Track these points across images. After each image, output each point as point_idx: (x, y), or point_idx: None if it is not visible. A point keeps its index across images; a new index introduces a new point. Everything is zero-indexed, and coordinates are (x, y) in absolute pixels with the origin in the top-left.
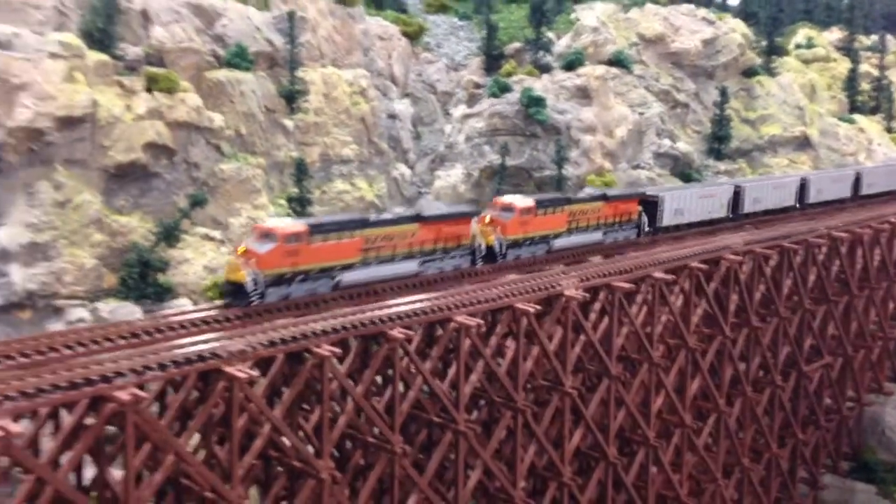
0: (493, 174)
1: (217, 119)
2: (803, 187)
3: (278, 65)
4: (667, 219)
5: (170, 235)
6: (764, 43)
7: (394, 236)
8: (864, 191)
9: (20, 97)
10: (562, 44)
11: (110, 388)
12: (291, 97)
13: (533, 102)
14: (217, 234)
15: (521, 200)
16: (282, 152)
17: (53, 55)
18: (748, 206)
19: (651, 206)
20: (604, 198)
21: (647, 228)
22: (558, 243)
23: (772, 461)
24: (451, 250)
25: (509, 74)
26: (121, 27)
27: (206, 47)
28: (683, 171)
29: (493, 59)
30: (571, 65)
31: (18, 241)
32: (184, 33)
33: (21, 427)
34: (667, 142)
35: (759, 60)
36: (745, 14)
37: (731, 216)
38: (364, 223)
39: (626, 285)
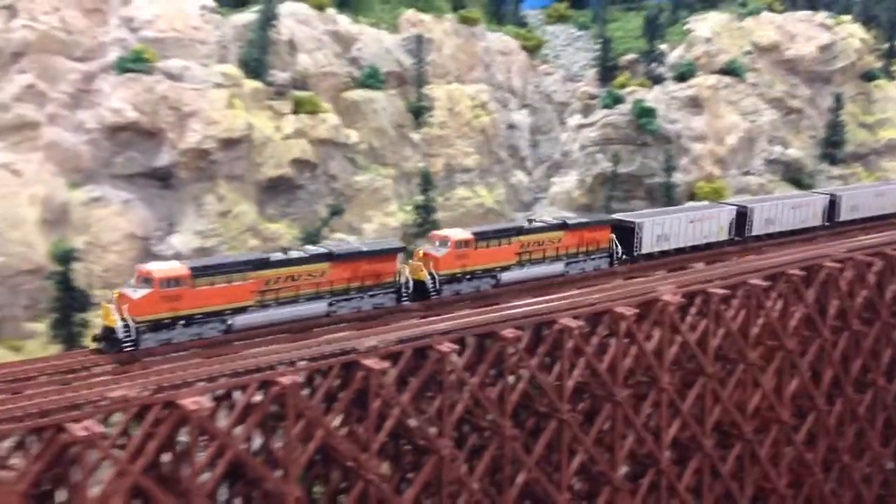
0: (606, 181)
1: (353, 135)
2: (833, 205)
3: (407, 83)
4: (647, 245)
5: (312, 241)
6: (885, 46)
7: (299, 276)
8: None
9: (190, 123)
10: (675, 55)
11: (275, 374)
12: (418, 112)
13: (644, 113)
14: (352, 239)
15: (458, 233)
16: (409, 163)
17: (217, 85)
18: (758, 228)
19: (627, 232)
20: (564, 226)
21: (619, 256)
22: (507, 276)
23: (874, 459)
24: (368, 289)
25: (622, 86)
26: (271, 56)
27: (343, 70)
28: (795, 176)
29: (607, 71)
30: (683, 76)
31: (190, 246)
32: (325, 58)
33: (210, 403)
34: (778, 148)
35: (878, 64)
36: (865, 17)
37: (735, 238)
38: (262, 263)
39: (722, 291)
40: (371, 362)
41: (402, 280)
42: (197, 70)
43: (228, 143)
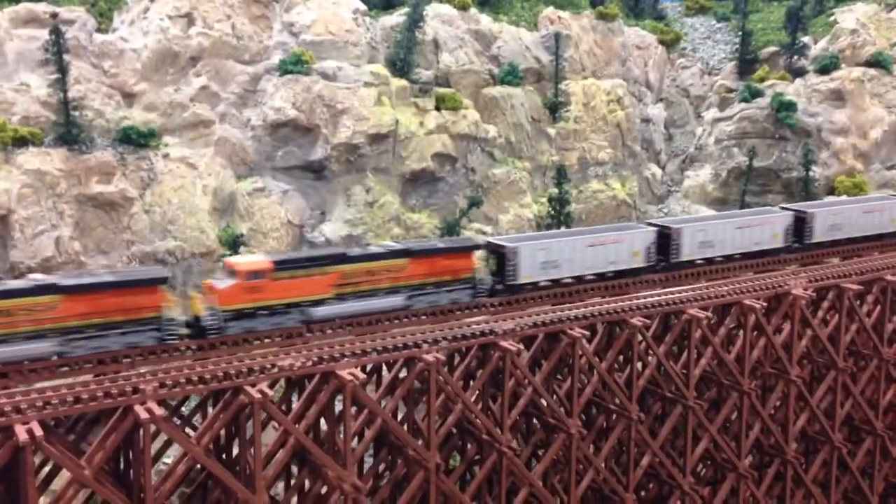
0: (741, 175)
1: (491, 130)
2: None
3: (544, 79)
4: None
5: (452, 230)
6: None
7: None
8: None
9: (342, 119)
10: (818, 47)
11: (420, 351)
12: (554, 108)
13: (783, 107)
14: (489, 229)
15: (250, 262)
16: (545, 157)
17: (367, 83)
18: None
19: (501, 257)
20: (406, 253)
21: (486, 287)
22: (321, 312)
23: None
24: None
25: (762, 80)
26: (417, 55)
27: (483, 67)
28: None
29: (746, 64)
30: (826, 68)
31: (339, 234)
32: (466, 57)
33: (363, 375)
34: None
35: None
36: None
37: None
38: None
39: (856, 287)
40: (507, 344)
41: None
42: (349, 70)
43: (376, 138)
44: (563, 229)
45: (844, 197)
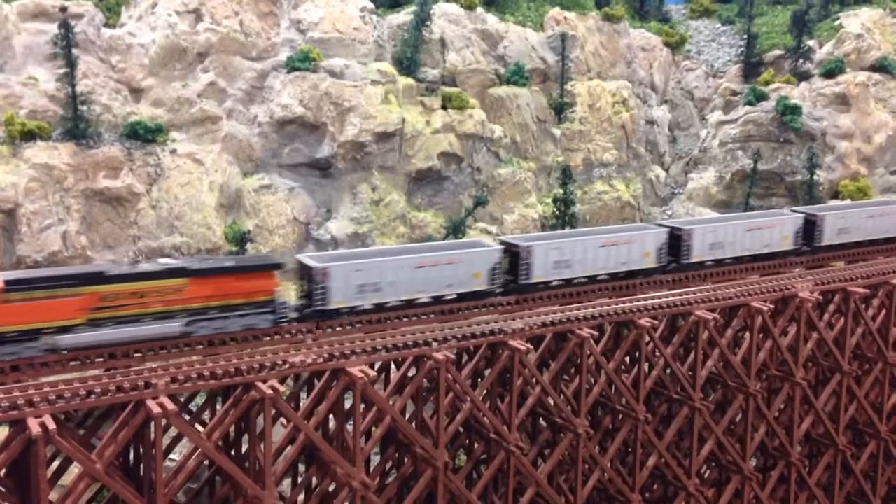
0: (745, 178)
1: (497, 130)
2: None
3: (550, 79)
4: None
5: (457, 229)
6: None
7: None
8: None
9: (349, 117)
10: (823, 51)
11: (430, 350)
12: (560, 108)
13: (788, 110)
14: (493, 228)
15: None
16: (550, 157)
17: (374, 82)
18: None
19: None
20: (184, 272)
21: (286, 312)
22: (69, 341)
23: None
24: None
25: (767, 83)
26: (423, 54)
27: (489, 67)
28: None
29: (751, 67)
30: (831, 72)
31: (345, 231)
32: (472, 56)
33: (373, 372)
34: None
35: None
36: None
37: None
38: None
39: (863, 290)
40: (517, 343)
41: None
42: (356, 68)
43: (383, 137)
44: (575, 229)
45: (849, 201)
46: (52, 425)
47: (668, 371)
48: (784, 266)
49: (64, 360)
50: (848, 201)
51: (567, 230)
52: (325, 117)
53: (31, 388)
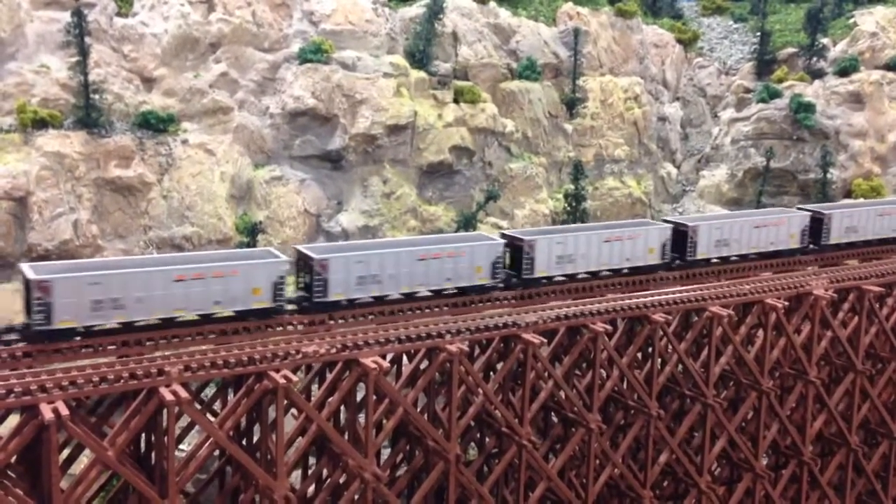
0: (757, 176)
1: (509, 124)
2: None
3: (562, 74)
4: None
5: (468, 224)
6: None
7: None
8: None
9: (361, 109)
10: (837, 49)
11: (443, 341)
12: (572, 104)
13: (802, 108)
14: (504, 223)
15: None
16: (561, 153)
17: (386, 74)
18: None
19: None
20: None
21: None
22: None
23: None
24: None
25: (780, 80)
26: (436, 47)
27: (501, 61)
28: None
29: (764, 64)
30: (845, 70)
31: (356, 224)
32: (484, 50)
33: (387, 364)
34: None
35: None
36: None
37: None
38: None
39: (878, 288)
40: (530, 336)
41: None
42: (368, 60)
43: (394, 130)
44: (579, 224)
45: (862, 200)
46: (64, 411)
47: (681, 367)
48: (792, 264)
49: (76, 347)
50: (861, 200)
51: (570, 225)
52: (336, 109)
53: (43, 374)
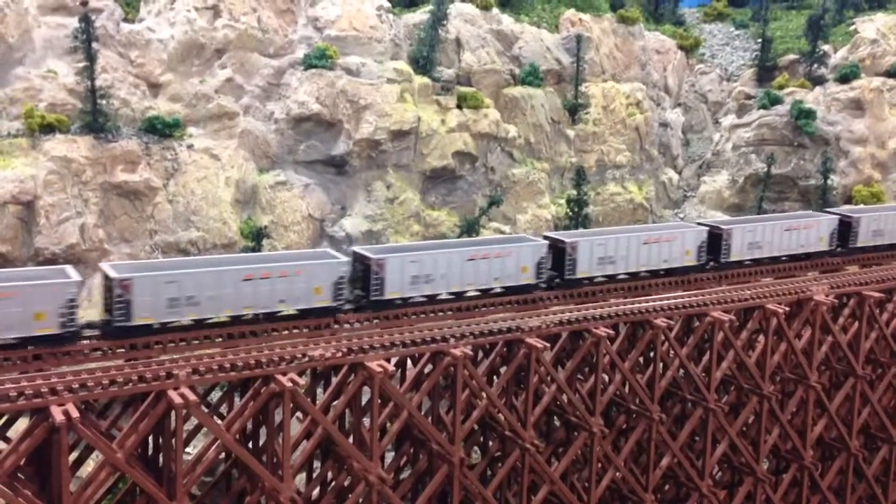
0: (758, 182)
1: (511, 130)
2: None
3: (564, 80)
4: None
5: (471, 229)
6: None
7: None
8: None
9: (365, 115)
10: (838, 56)
11: (447, 346)
12: (574, 110)
13: (803, 115)
14: (507, 228)
15: None
16: (563, 158)
17: (390, 80)
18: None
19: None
20: None
21: None
22: None
23: None
24: None
25: (781, 87)
26: (439, 53)
27: (504, 67)
28: None
29: (765, 71)
30: (846, 77)
31: (360, 229)
32: (487, 56)
33: (392, 367)
34: None
35: None
36: None
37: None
38: None
39: (878, 294)
40: (533, 340)
41: None
42: (372, 66)
43: (398, 135)
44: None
45: (890, 204)
46: (75, 413)
47: (683, 372)
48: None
49: (86, 350)
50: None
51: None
52: (340, 115)
53: (54, 377)
